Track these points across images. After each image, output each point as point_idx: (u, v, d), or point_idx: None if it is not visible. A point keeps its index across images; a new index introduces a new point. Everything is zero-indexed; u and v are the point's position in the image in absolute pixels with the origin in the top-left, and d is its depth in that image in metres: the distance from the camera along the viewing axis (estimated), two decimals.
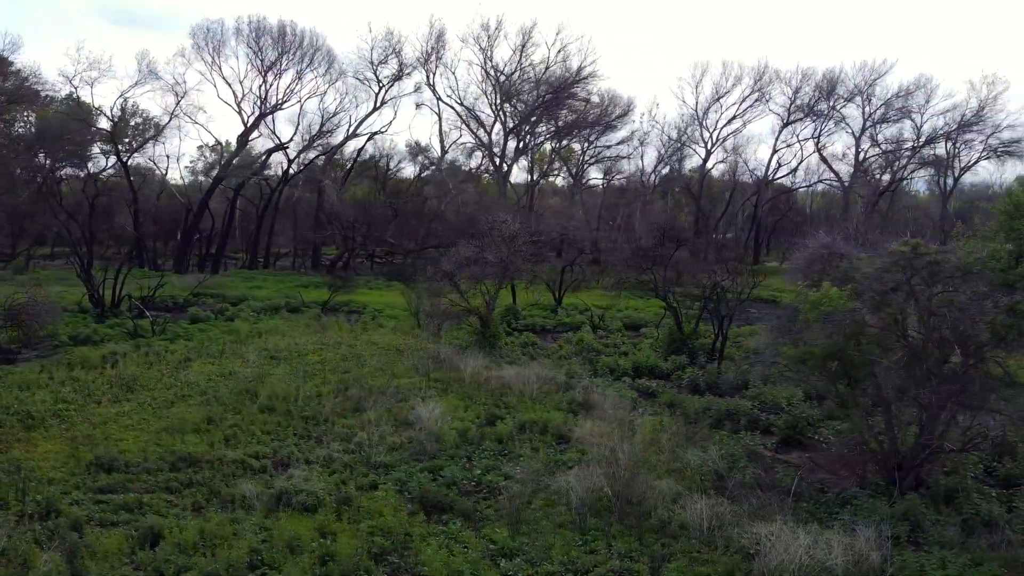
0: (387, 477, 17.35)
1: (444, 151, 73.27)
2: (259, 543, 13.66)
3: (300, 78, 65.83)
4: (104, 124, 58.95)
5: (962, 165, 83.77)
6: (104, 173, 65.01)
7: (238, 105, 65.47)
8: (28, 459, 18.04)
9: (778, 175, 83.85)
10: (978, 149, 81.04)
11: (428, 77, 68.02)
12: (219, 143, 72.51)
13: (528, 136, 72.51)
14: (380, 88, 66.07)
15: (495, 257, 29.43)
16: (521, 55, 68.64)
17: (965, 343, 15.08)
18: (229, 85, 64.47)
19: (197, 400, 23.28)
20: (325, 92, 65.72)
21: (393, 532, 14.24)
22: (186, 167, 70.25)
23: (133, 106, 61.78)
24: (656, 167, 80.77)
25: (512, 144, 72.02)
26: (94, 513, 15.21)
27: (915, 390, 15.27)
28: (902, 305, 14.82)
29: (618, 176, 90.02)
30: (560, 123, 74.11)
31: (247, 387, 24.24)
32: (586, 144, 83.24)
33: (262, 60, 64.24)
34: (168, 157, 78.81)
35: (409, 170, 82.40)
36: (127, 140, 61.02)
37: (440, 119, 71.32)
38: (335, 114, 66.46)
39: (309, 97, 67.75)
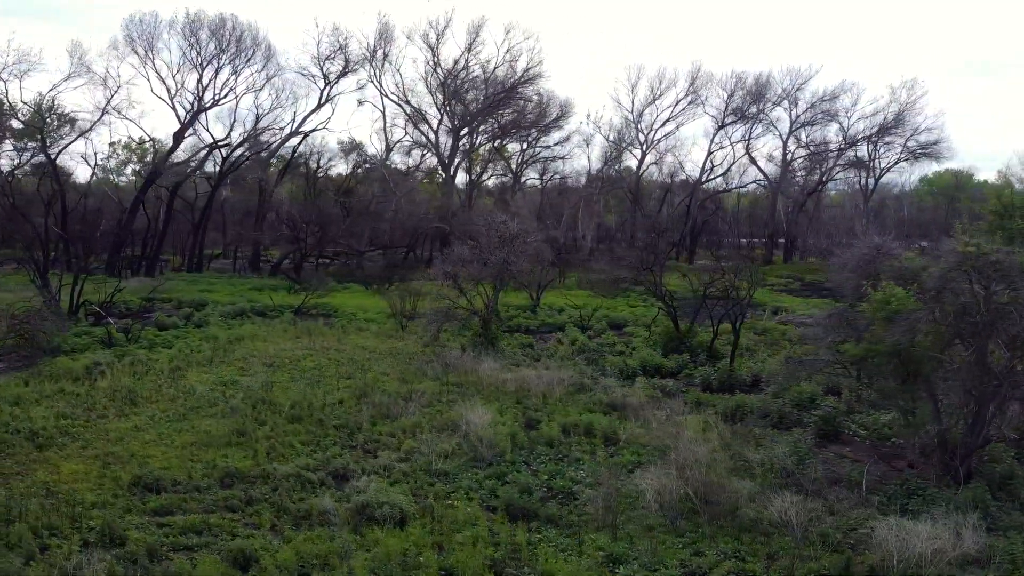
0: (453, 485, 16.87)
1: (389, 149, 72.03)
2: (370, 560, 13.02)
3: (237, 73, 63.49)
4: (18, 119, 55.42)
5: (882, 167, 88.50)
6: (19, 171, 61.10)
7: (172, 100, 62.59)
8: (57, 481, 16.69)
9: (711, 176, 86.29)
10: (897, 151, 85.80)
11: (375, 74, 66.77)
12: (145, 140, 69.05)
13: (474, 136, 72.12)
14: (326, 84, 64.37)
15: (497, 258, 29.06)
16: (468, 54, 68.21)
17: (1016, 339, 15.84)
18: (163, 81, 61.56)
19: (210, 412, 22.08)
20: (261, 88, 63.58)
21: (500, 542, 13.85)
22: (97, 165, 66.38)
23: (49, 101, 57.97)
24: (602, 168, 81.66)
25: (456, 143, 71.40)
26: (161, 538, 14.18)
27: (975, 384, 15.95)
28: (967, 303, 15.45)
29: (556, 176, 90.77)
30: (502, 123, 73.97)
31: (261, 396, 23.17)
32: (524, 144, 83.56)
33: (199, 53, 61.59)
34: (96, 154, 74.65)
35: (341, 168, 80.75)
36: (39, 137, 57.24)
37: (384, 117, 70.06)
38: (270, 110, 64.46)
39: (246, 93, 65.25)
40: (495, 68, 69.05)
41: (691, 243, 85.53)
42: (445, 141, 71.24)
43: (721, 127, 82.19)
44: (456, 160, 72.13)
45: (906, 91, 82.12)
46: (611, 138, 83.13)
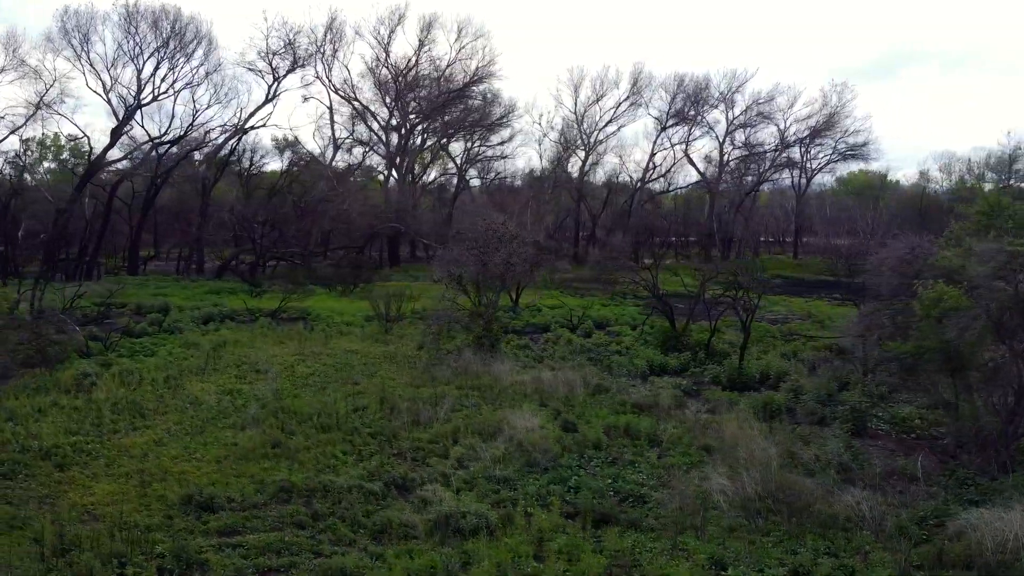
0: (518, 491, 16.48)
1: (336, 147, 70.39)
2: (482, 574, 12.56)
3: (174, 68, 60.83)
4: None
5: (813, 167, 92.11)
6: None
7: (107, 95, 59.50)
8: (96, 504, 15.53)
9: (653, 177, 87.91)
10: (828, 152, 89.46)
11: (326, 70, 65.12)
12: (77, 137, 65.33)
13: (424, 135, 71.23)
14: (274, 80, 62.37)
15: (500, 259, 28.67)
16: (420, 51, 67.32)
17: None
18: (98, 74, 58.47)
19: (227, 423, 21.01)
20: (199, 84, 61.15)
21: (607, 549, 13.60)
22: (8, 161, 62.50)
23: None
24: (554, 169, 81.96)
25: (407, 142, 70.38)
26: (239, 560, 13.33)
27: (1015, 379, 16.66)
28: (1011, 299, 16.12)
29: (499, 176, 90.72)
30: (450, 122, 73.33)
31: (278, 405, 22.22)
32: (468, 144, 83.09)
33: (138, 45, 58.76)
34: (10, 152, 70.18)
35: (275, 165, 78.36)
36: None
37: (332, 114, 68.43)
38: (209, 106, 62.23)
39: (185, 88, 62.54)
40: (447, 66, 68.44)
41: (634, 244, 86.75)
42: (394, 139, 70.16)
43: (664, 129, 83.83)
44: (407, 159, 71.07)
45: (836, 95, 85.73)
46: (553, 138, 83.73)
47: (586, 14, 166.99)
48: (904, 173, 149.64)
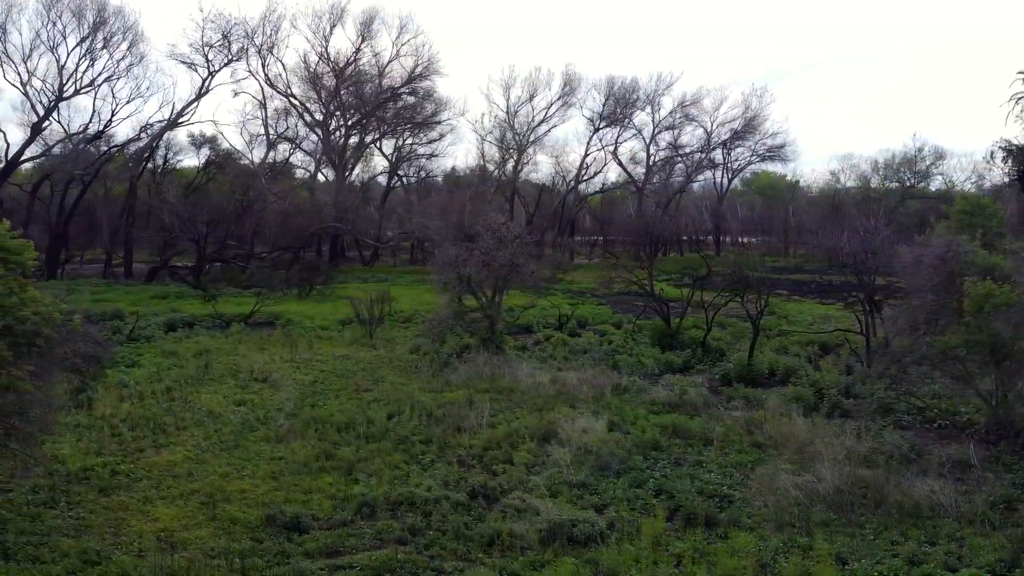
0: (604, 496, 16.19)
1: (270, 145, 67.80)
2: None
3: (92, 61, 57.12)
4: None
5: (734, 168, 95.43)
6: None
7: (24, 88, 55.31)
8: (165, 530, 14.32)
9: (586, 178, 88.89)
10: (748, 154, 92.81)
11: (263, 64, 62.58)
12: None
13: (363, 133, 69.52)
14: (209, 74, 59.47)
15: (504, 259, 28.18)
16: (361, 44, 65.67)
17: None
18: (15, 66, 54.26)
19: (257, 435, 19.85)
20: (118, 77, 57.63)
21: (733, 550, 13.52)
22: None
23: None
24: (496, 168, 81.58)
25: (347, 139, 68.61)
26: None
27: None
28: None
29: (431, 175, 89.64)
30: (388, 119, 71.90)
31: (312, 415, 21.19)
32: (400, 142, 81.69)
33: (60, 34, 54.86)
34: None
35: (190, 162, 74.74)
36: None
37: (265, 110, 65.88)
38: (130, 100, 58.71)
39: (106, 81, 58.69)
40: (388, 63, 67.09)
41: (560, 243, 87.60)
42: (334, 137, 68.24)
43: (597, 130, 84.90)
44: (346, 157, 69.26)
45: (756, 99, 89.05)
46: (487, 138, 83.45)
47: (521, 15, 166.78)
48: (813, 171, 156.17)
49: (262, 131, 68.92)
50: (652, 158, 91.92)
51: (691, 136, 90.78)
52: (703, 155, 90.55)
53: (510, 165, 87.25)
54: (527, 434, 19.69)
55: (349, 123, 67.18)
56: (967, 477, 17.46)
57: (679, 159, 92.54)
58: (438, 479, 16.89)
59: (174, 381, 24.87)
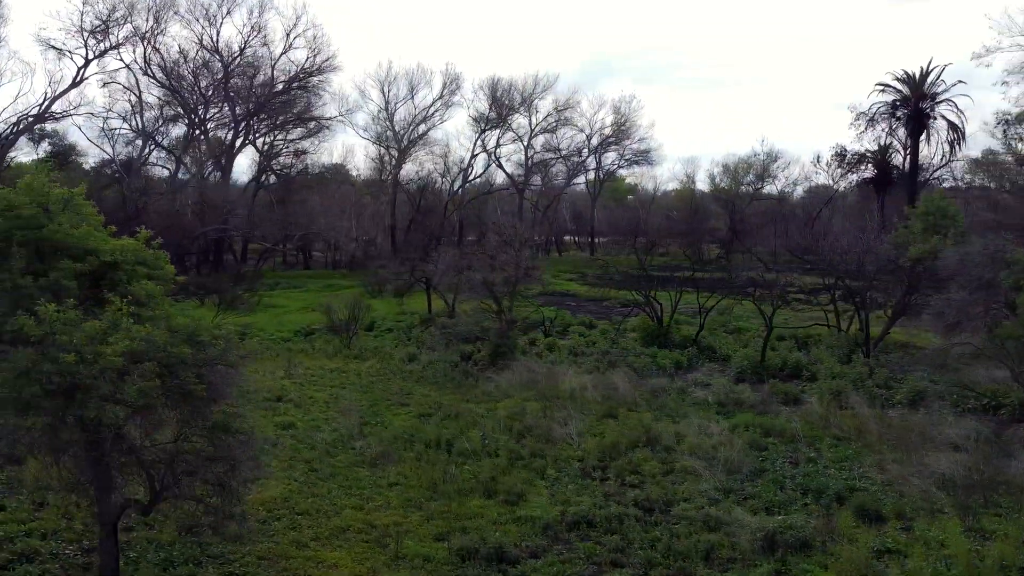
0: (761, 500, 16.07)
1: (147, 140, 61.73)
2: None
3: None
4: None
5: (604, 172, 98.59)
6: None
7: None
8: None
9: (471, 179, 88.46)
10: (617, 158, 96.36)
11: (146, 53, 56.81)
12: None
13: (251, 129, 64.96)
14: (85, 61, 53.15)
15: (513, 262, 27.34)
16: (250, 37, 61.35)
17: None
18: None
19: (347, 460, 18.07)
20: None
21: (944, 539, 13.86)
22: None
23: None
24: (383, 169, 78.95)
25: (236, 136, 63.93)
26: None
27: None
28: None
29: (302, 173, 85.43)
30: (273, 112, 67.57)
31: (406, 434, 19.62)
32: (273, 138, 77.17)
33: None
34: None
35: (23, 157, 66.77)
36: None
37: (141, 102, 59.93)
38: None
39: None
40: (280, 55, 63.19)
41: (458, 245, 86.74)
42: (217, 133, 63.37)
43: (484, 131, 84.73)
44: (234, 154, 64.52)
45: (625, 104, 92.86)
46: (362, 134, 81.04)
47: (406, 13, 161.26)
48: (668, 172, 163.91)
49: (127, 126, 62.69)
50: (530, 160, 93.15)
51: (572, 140, 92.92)
52: (578, 159, 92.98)
53: (390, 164, 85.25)
54: (631, 441, 19.21)
55: (238, 118, 62.55)
56: None
57: (554, 162, 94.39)
58: (596, 494, 16.11)
59: None
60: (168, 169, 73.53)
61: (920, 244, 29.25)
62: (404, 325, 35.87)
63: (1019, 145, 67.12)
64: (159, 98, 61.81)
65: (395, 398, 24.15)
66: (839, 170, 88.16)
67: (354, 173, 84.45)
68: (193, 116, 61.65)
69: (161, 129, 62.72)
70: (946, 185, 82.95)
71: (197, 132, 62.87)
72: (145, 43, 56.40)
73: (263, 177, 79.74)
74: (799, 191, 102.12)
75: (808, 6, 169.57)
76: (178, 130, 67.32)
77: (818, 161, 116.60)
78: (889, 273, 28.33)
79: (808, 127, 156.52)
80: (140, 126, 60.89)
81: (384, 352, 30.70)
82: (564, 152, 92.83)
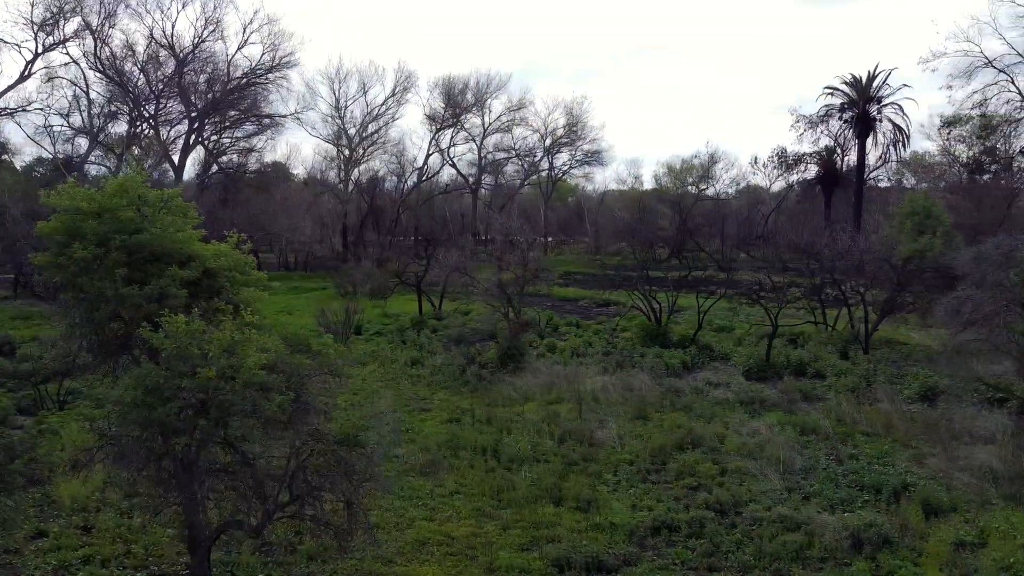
0: (824, 499, 16.21)
1: (95, 137, 58.91)
2: None
3: None
4: None
5: (556, 173, 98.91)
6: None
7: None
8: None
9: (426, 178, 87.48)
10: (568, 158, 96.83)
11: (96, 47, 54.13)
12: None
13: (200, 126, 62.65)
14: (34, 55, 50.34)
15: (517, 262, 26.99)
16: (204, 31, 59.19)
17: None
18: None
19: (390, 469, 17.43)
20: None
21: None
22: None
23: None
24: (334, 166, 77.22)
25: (191, 133, 61.60)
26: None
27: None
28: None
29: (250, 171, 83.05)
30: (224, 106, 65.36)
31: (447, 440, 19.09)
32: (223, 135, 74.73)
33: None
34: None
35: None
36: None
37: (88, 98, 57.19)
38: None
39: None
40: (235, 51, 61.20)
41: (415, 244, 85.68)
42: (171, 130, 61.00)
43: (440, 130, 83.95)
44: (188, 151, 62.20)
45: (576, 105, 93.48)
46: (312, 132, 79.34)
47: (356, 10, 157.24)
48: (612, 173, 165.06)
49: (91, 122, 59.69)
50: (483, 160, 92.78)
51: (524, 141, 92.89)
52: (531, 159, 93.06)
53: (341, 163, 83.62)
54: (673, 442, 19.16)
55: (192, 115, 60.28)
56: None
57: (506, 162, 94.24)
58: (664, 498, 15.98)
59: None
60: (107, 167, 70.54)
61: (911, 243, 30.20)
62: (393, 328, 35.11)
63: (958, 146, 70.50)
64: (100, 94, 59.11)
65: (413, 403, 23.57)
66: (776, 171, 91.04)
67: (296, 172, 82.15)
68: (136, 112, 59.10)
69: (103, 126, 59.83)
70: (882, 184, 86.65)
71: (141, 129, 60.28)
72: (95, 36, 53.76)
73: (207, 175, 77.30)
74: (732, 191, 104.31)
75: (740, 11, 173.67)
76: (120, 127, 64.74)
77: (755, 162, 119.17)
78: (883, 272, 29.12)
79: (747, 131, 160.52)
80: (88, 124, 58.04)
81: (383, 356, 29.97)
82: (517, 152, 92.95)
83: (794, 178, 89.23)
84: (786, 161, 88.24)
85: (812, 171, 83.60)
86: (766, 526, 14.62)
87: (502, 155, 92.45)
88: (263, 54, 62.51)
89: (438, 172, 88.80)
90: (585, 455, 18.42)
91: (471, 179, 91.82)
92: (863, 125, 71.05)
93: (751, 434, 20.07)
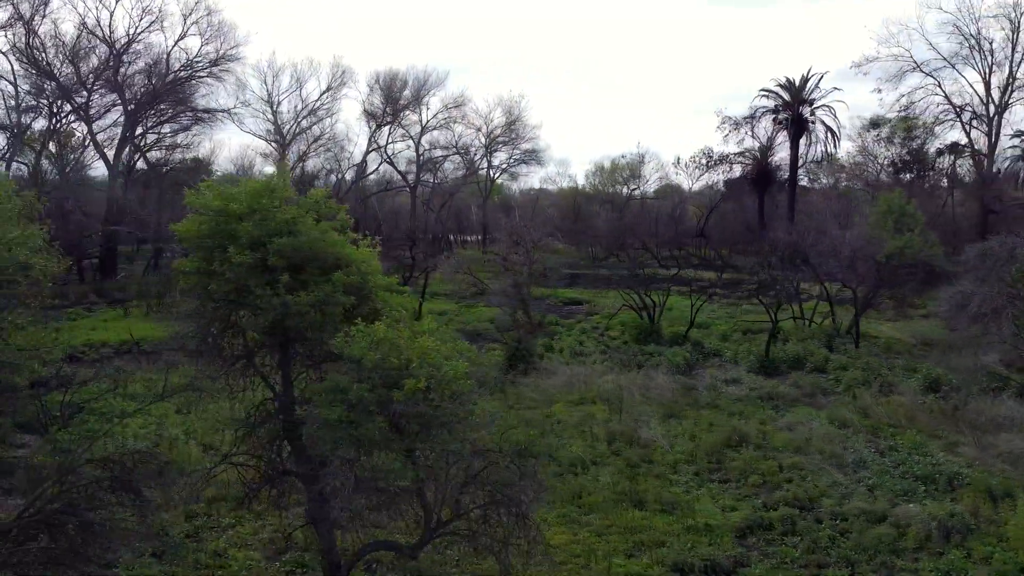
0: (887, 490, 16.60)
1: (23, 132, 55.05)
2: None
3: None
4: None
5: (495, 171, 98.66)
6: None
7: None
8: None
9: (367, 175, 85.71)
10: (506, 158, 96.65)
11: (28, 36, 50.51)
12: None
13: (136, 120, 59.29)
14: None
15: (525, 262, 26.64)
16: (141, 21, 56.09)
17: None
18: None
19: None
20: None
21: None
22: None
23: None
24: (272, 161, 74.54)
25: (132, 128, 58.35)
26: None
27: None
28: None
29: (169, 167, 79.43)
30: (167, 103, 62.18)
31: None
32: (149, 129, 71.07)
33: None
34: None
35: None
36: None
37: (18, 94, 53.37)
38: None
39: None
40: (177, 42, 58.29)
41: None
42: (107, 124, 57.67)
43: (380, 126, 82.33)
44: (126, 148, 58.88)
45: (516, 104, 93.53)
46: (241, 127, 76.54)
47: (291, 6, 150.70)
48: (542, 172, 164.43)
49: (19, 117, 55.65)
50: (421, 157, 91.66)
51: (460, 138, 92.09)
52: (468, 157, 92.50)
53: (274, 159, 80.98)
54: (721, 441, 19.30)
55: (131, 108, 57.00)
56: None
57: (442, 160, 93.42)
58: (741, 497, 16.05)
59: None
60: (26, 164, 66.13)
61: (893, 241, 31.43)
62: None
63: (877, 147, 74.23)
64: (25, 90, 55.28)
65: None
66: (698, 171, 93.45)
67: (218, 170, 79.03)
68: (60, 105, 55.61)
69: (20, 121, 55.95)
70: (803, 183, 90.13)
71: (64, 124, 56.81)
72: (27, 27, 50.20)
73: (131, 171, 73.42)
74: (650, 190, 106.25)
75: (662, 14, 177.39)
76: (40, 123, 60.82)
77: (678, 163, 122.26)
78: (868, 269, 30.21)
79: (669, 133, 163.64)
80: (16, 119, 54.24)
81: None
82: (454, 149, 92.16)
83: (718, 177, 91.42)
84: (711, 161, 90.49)
85: (738, 171, 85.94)
86: (852, 520, 14.87)
87: (439, 153, 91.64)
88: (204, 44, 59.77)
89: (376, 169, 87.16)
90: (641, 456, 18.33)
91: (410, 177, 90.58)
92: (797, 127, 73.75)
93: (787, 428, 20.43)
